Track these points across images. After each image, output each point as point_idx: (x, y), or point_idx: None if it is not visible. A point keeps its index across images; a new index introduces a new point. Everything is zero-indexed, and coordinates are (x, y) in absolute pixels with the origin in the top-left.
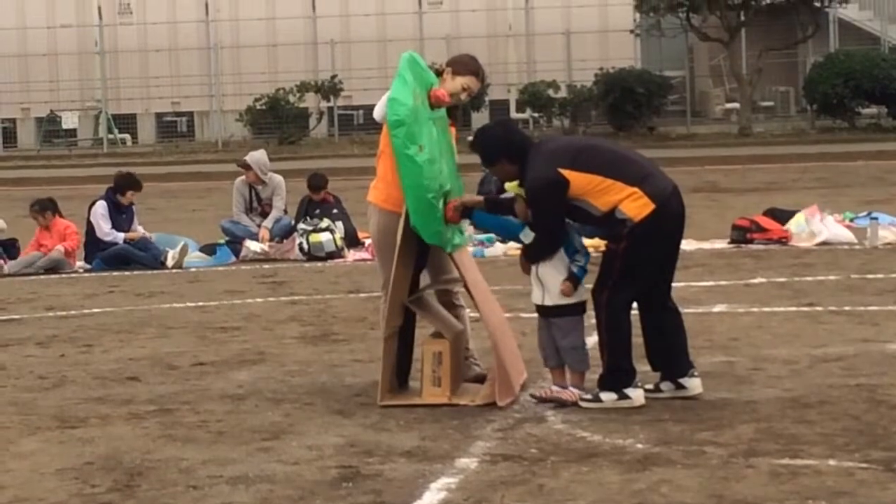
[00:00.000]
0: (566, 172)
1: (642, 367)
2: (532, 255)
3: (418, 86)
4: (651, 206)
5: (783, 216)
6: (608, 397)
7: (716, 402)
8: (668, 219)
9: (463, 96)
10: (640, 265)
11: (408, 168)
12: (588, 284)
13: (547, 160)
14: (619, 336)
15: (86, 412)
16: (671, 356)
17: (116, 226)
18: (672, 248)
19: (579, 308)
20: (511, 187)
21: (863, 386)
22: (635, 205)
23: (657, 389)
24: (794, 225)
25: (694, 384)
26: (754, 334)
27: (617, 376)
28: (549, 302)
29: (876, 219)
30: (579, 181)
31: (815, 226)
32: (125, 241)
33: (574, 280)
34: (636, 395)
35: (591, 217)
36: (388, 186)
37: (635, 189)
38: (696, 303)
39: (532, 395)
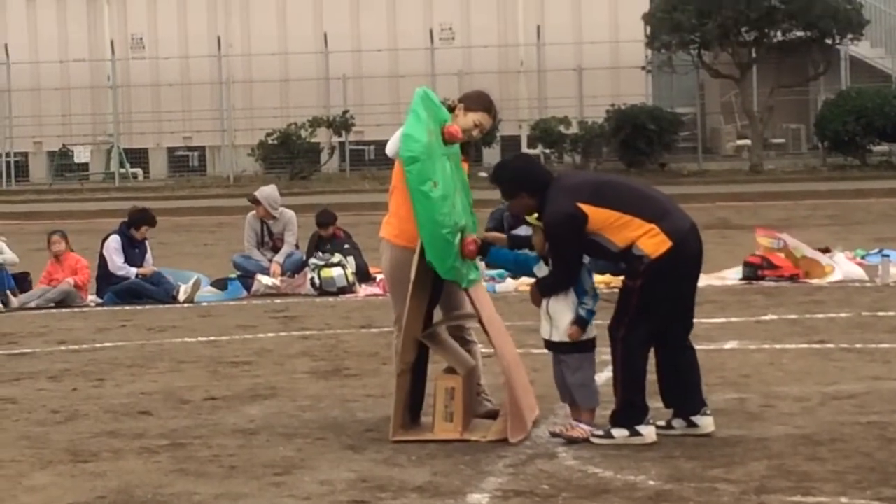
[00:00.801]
0: (585, 207)
1: (654, 403)
2: (546, 289)
3: (432, 122)
4: (668, 244)
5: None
6: (620, 433)
7: (727, 438)
8: (686, 257)
9: (475, 132)
10: (657, 302)
11: (422, 204)
12: (598, 321)
13: (566, 194)
14: (634, 373)
15: (98, 446)
16: (685, 394)
17: (129, 260)
18: (689, 287)
19: (588, 345)
20: (530, 219)
21: (874, 423)
22: (652, 241)
23: (669, 426)
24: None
25: (706, 422)
26: (766, 371)
27: (629, 413)
28: (556, 338)
29: (887, 256)
30: (598, 216)
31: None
32: (137, 277)
33: (581, 323)
34: (648, 432)
35: (609, 253)
36: (400, 222)
37: (653, 226)
38: (707, 339)
39: (549, 431)
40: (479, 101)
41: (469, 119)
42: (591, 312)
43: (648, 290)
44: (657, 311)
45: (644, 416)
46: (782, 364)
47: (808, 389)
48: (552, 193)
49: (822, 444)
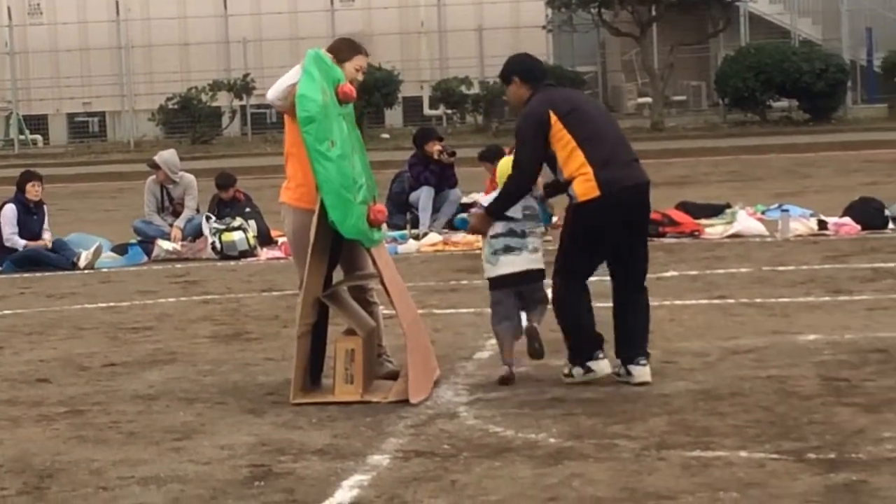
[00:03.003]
0: (554, 118)
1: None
2: (500, 204)
3: (325, 82)
4: (596, 192)
5: (695, 210)
6: (577, 372)
7: (628, 395)
8: (611, 211)
9: (360, 77)
10: (576, 245)
11: (321, 164)
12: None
13: (546, 100)
14: (566, 310)
15: None
16: (622, 342)
17: (27, 227)
18: (617, 239)
19: (496, 282)
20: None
21: (774, 377)
22: (583, 186)
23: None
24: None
25: (639, 372)
26: (666, 327)
27: (576, 351)
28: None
29: (787, 211)
30: (558, 133)
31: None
32: (25, 248)
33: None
34: (599, 367)
35: (561, 176)
36: (298, 186)
37: (590, 169)
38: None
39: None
40: (348, 49)
41: (348, 69)
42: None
43: (571, 231)
44: (578, 254)
45: (592, 351)
46: (683, 320)
47: (708, 345)
48: (538, 94)
49: (722, 399)
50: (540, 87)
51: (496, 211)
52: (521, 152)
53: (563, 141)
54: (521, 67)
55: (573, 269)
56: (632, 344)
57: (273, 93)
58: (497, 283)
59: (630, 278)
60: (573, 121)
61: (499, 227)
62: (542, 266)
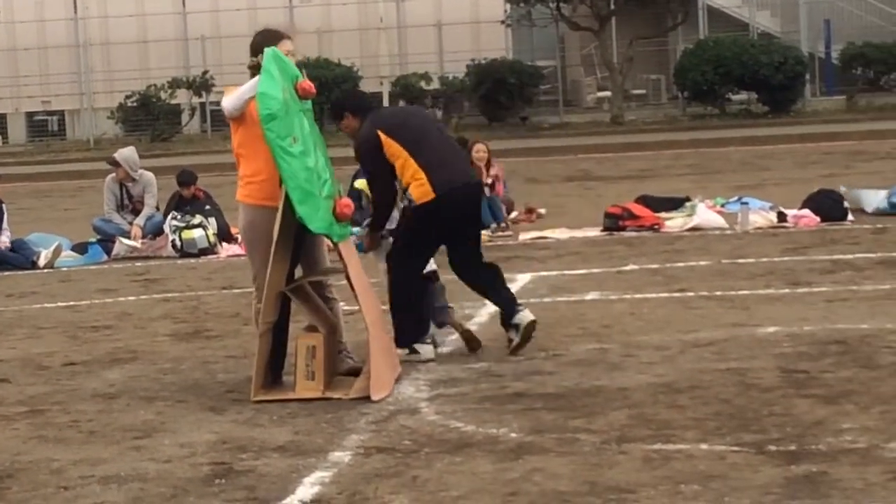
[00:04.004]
0: (383, 135)
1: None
2: (375, 220)
3: (284, 79)
4: (431, 196)
5: (655, 203)
6: (402, 352)
7: (589, 389)
8: (445, 210)
9: (293, 62)
10: (416, 244)
11: (285, 160)
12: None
13: (374, 121)
14: (401, 299)
15: None
16: (498, 303)
17: None
18: (452, 233)
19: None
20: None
21: (733, 370)
22: (418, 190)
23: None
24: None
25: (523, 317)
26: (626, 321)
27: (404, 334)
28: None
29: (746, 204)
30: (390, 148)
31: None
32: None
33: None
34: (425, 350)
35: (399, 183)
36: (247, 183)
37: (423, 175)
38: (568, 291)
39: None
40: (268, 40)
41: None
42: None
43: (411, 231)
44: (416, 248)
45: (420, 335)
46: (643, 313)
47: (668, 338)
48: (368, 119)
49: (682, 392)
50: (368, 115)
51: (377, 228)
52: (370, 174)
53: (396, 153)
54: (350, 102)
55: (411, 261)
56: (505, 301)
57: (231, 103)
58: None
59: (471, 259)
60: (401, 134)
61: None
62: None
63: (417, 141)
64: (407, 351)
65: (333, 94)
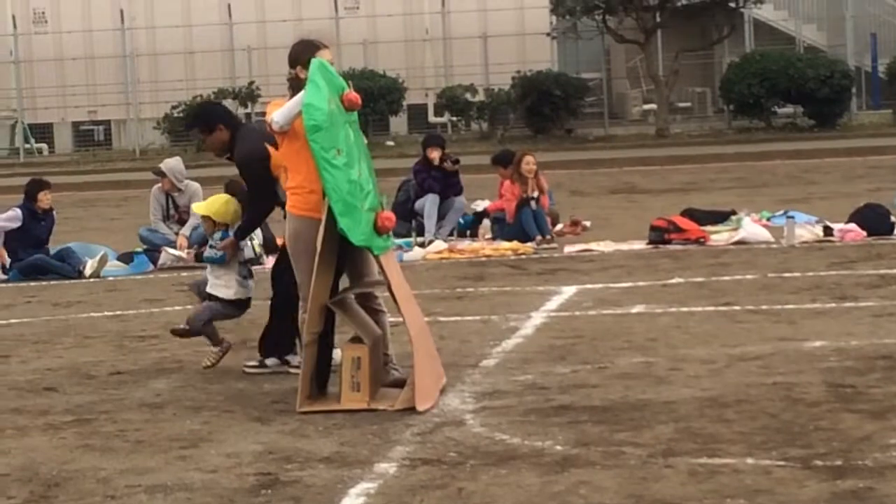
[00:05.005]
0: (271, 148)
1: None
2: (246, 226)
3: (330, 90)
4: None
5: (701, 216)
6: (272, 362)
7: (634, 402)
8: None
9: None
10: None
11: (329, 172)
12: None
13: (257, 135)
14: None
15: (2, 423)
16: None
17: (34, 234)
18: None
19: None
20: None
21: (780, 384)
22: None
23: (262, 365)
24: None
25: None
26: (672, 334)
27: (277, 346)
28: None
29: (792, 217)
30: (278, 160)
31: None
32: None
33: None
34: (295, 360)
35: (276, 198)
36: (293, 193)
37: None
38: (614, 304)
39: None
40: (305, 51)
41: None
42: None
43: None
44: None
45: (292, 347)
46: (689, 327)
47: (714, 352)
48: (242, 133)
49: (729, 406)
50: (237, 128)
51: (244, 236)
52: (255, 186)
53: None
54: (224, 115)
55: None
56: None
57: (282, 117)
58: (239, 305)
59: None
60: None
61: (247, 252)
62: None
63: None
64: (279, 362)
65: (378, 105)
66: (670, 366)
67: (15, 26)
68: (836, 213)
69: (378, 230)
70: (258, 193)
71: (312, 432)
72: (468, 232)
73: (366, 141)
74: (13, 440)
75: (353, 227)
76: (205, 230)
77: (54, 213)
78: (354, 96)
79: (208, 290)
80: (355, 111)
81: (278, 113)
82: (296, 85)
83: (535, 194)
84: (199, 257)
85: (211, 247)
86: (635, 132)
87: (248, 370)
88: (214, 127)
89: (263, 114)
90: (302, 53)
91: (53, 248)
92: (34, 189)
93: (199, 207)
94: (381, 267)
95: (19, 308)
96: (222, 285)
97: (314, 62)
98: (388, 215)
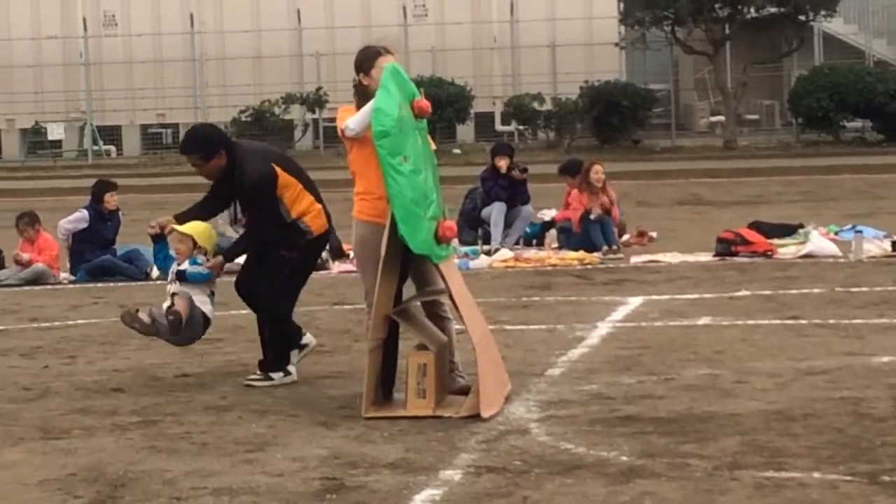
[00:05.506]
0: (279, 170)
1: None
2: (237, 248)
3: (401, 96)
4: (326, 226)
5: (768, 229)
6: (278, 375)
7: (700, 414)
8: (327, 240)
9: None
10: (302, 274)
11: (393, 178)
12: None
13: (260, 156)
14: (287, 331)
15: (69, 423)
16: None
17: (101, 234)
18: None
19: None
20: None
21: (847, 399)
22: (317, 221)
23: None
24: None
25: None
26: (738, 347)
27: (284, 360)
28: None
29: (860, 232)
30: (284, 180)
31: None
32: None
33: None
34: (294, 370)
35: (279, 219)
36: (361, 199)
37: (318, 206)
38: (680, 315)
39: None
40: (368, 59)
41: (375, 75)
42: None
43: (301, 263)
44: (300, 282)
45: (289, 362)
46: (755, 340)
47: (780, 365)
48: (242, 155)
49: (795, 420)
50: (233, 150)
51: (233, 258)
52: (263, 209)
53: (290, 186)
54: (223, 139)
55: (295, 291)
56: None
57: (358, 124)
58: (207, 324)
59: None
60: (291, 167)
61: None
62: None
63: (302, 173)
64: (283, 375)
65: (446, 113)
66: (736, 378)
67: (85, 29)
68: None
69: (439, 239)
70: (264, 217)
71: (378, 438)
72: (534, 241)
73: (434, 147)
74: (80, 440)
75: (413, 235)
76: (177, 250)
77: (120, 213)
78: (425, 103)
79: (198, 304)
80: (425, 119)
81: (353, 120)
82: (360, 91)
83: (597, 212)
84: (180, 274)
85: (197, 264)
86: (702, 144)
87: (252, 383)
88: (214, 153)
89: (331, 119)
90: (364, 60)
91: (121, 248)
92: (101, 190)
93: (183, 226)
94: (441, 275)
95: (86, 309)
96: (208, 303)
97: (387, 67)
98: (450, 225)
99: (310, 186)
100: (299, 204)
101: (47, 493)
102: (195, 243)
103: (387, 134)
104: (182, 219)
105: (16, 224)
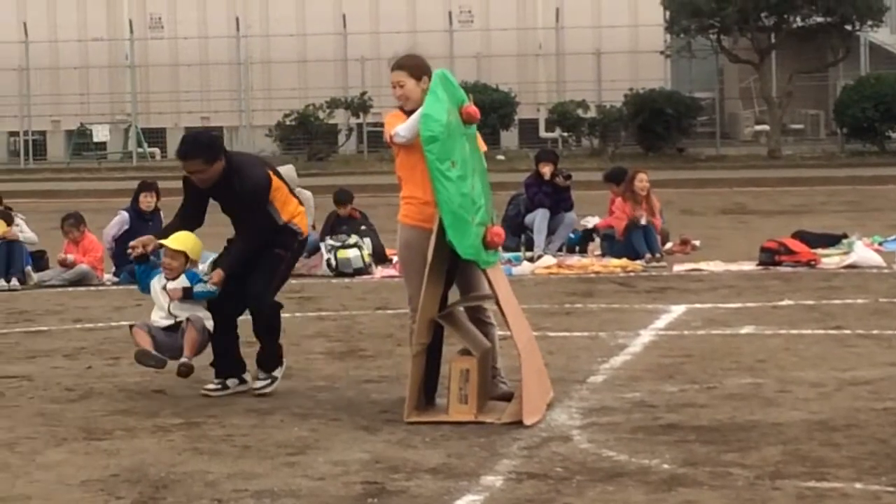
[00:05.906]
0: (273, 175)
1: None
2: (238, 257)
3: (450, 102)
4: (307, 228)
5: (812, 239)
6: (279, 372)
7: (743, 423)
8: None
9: (397, 91)
10: (287, 274)
11: (441, 184)
12: None
13: (257, 163)
14: (279, 326)
15: (112, 424)
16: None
17: (143, 234)
18: None
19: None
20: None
21: (890, 410)
22: (304, 223)
23: (224, 387)
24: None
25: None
26: (781, 356)
27: (278, 358)
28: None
29: None
30: (275, 184)
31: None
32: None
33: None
34: (283, 367)
35: (272, 222)
36: (407, 203)
37: (303, 209)
38: (723, 324)
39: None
40: (420, 64)
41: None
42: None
43: (292, 261)
44: (284, 281)
45: (282, 354)
46: (798, 349)
47: (823, 375)
48: (241, 162)
49: (838, 430)
50: (229, 157)
51: (234, 269)
52: (259, 216)
53: (280, 190)
54: (223, 146)
55: (278, 289)
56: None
57: (408, 131)
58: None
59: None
60: (277, 172)
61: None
62: None
63: (282, 176)
64: (281, 369)
65: (490, 119)
66: (779, 388)
67: (131, 31)
68: None
69: (486, 245)
70: (260, 221)
71: (419, 443)
72: (577, 248)
73: (485, 149)
74: (122, 441)
75: (461, 240)
76: (169, 266)
77: (161, 214)
78: (473, 110)
79: (205, 322)
80: (474, 125)
81: (402, 127)
82: None
83: (643, 220)
84: (187, 293)
85: (200, 281)
86: (746, 153)
87: (262, 391)
88: (216, 159)
89: (375, 124)
90: (416, 68)
91: None
92: (138, 190)
93: (173, 242)
94: (488, 281)
95: (129, 311)
96: (210, 318)
97: (437, 73)
98: (498, 231)
99: (292, 191)
100: (288, 207)
101: (90, 493)
102: (187, 258)
103: (435, 139)
104: (164, 235)
105: (61, 225)
